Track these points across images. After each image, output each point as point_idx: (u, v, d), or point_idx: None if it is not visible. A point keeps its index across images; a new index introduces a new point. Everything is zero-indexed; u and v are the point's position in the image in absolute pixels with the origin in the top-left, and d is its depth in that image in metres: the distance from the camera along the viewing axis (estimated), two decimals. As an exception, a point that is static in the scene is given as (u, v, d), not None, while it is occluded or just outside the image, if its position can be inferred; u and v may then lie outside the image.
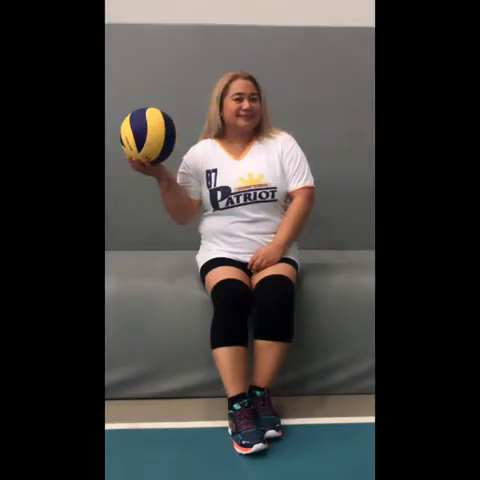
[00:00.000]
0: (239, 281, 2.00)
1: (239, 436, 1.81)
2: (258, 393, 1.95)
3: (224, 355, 1.91)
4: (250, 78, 2.11)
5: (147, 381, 2.15)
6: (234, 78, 2.10)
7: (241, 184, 2.08)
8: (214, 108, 2.12)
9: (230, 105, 2.08)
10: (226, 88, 2.09)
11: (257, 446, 1.76)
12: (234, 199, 2.08)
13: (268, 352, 1.95)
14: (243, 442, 1.79)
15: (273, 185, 2.10)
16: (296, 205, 2.13)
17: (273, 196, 2.10)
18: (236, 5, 2.77)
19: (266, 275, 2.03)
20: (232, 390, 1.91)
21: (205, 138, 2.20)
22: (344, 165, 2.76)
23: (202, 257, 2.17)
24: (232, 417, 1.88)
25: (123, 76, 2.68)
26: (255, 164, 2.12)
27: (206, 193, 2.12)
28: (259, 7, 2.78)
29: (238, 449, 1.81)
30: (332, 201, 2.71)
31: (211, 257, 2.12)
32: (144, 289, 2.18)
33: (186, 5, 2.74)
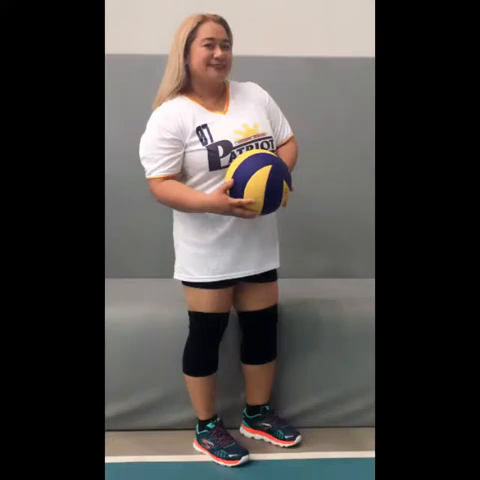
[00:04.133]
0: (225, 314, 1.94)
1: (222, 451, 1.94)
2: (267, 407, 2.09)
3: (201, 383, 1.97)
4: (222, 22, 1.82)
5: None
6: (204, 20, 1.79)
7: (240, 137, 1.82)
8: (177, 56, 1.79)
9: (200, 52, 1.78)
10: (194, 32, 1.78)
11: (244, 458, 1.91)
12: (237, 154, 1.79)
13: (262, 374, 2.07)
14: (230, 456, 1.93)
15: (269, 134, 1.88)
16: (294, 148, 1.98)
17: (272, 146, 1.88)
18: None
19: (252, 310, 1.98)
20: (203, 414, 2.01)
21: (160, 104, 1.83)
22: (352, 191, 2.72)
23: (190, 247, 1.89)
24: (207, 436, 1.98)
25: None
26: (245, 115, 1.86)
27: (201, 153, 1.80)
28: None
29: (225, 462, 1.92)
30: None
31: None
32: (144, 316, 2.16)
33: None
